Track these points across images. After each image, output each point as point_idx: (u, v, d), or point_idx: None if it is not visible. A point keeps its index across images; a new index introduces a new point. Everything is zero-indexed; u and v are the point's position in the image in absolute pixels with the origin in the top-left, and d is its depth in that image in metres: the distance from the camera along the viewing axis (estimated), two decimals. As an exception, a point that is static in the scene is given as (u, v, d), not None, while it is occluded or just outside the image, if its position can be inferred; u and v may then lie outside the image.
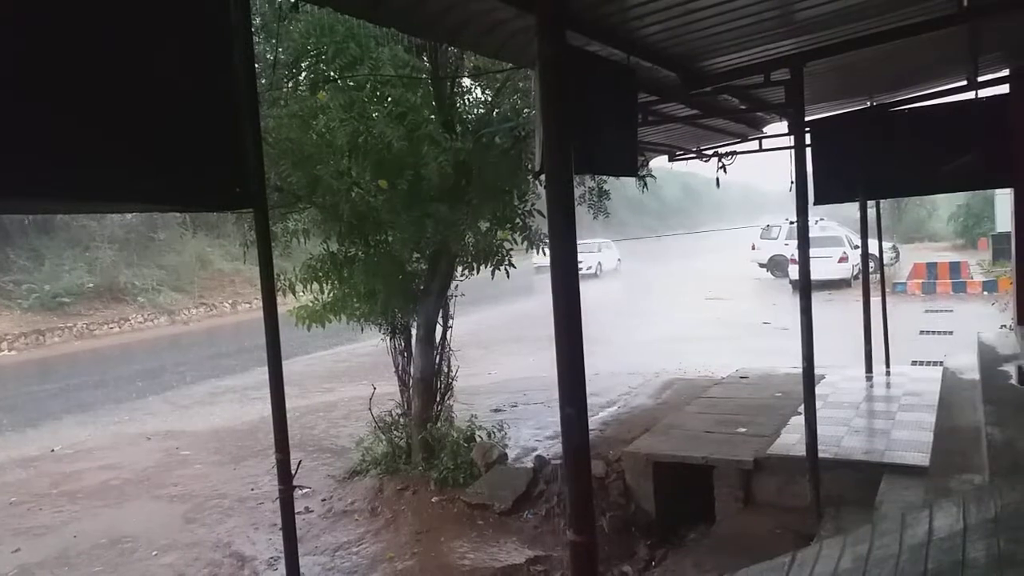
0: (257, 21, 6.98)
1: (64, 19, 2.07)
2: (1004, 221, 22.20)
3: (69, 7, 2.08)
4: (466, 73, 8.11)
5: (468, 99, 8.45)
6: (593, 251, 33.14)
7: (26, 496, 8.76)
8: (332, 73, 7.16)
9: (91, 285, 23.69)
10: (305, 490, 8.04)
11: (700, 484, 6.96)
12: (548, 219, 2.89)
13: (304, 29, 6.89)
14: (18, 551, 7.26)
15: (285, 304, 7.50)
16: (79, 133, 2.13)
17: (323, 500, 8.06)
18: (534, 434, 9.49)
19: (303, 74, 7.53)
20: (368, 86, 7.12)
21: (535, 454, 8.38)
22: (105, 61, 2.18)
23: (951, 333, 14.68)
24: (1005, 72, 8.22)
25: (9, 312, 21.69)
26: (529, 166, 7.68)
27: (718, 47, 5.70)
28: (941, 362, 10.04)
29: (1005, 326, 10.11)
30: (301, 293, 7.94)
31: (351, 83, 7.10)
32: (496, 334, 17.71)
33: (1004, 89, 8.01)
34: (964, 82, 7.51)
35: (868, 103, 9.18)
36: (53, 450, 10.68)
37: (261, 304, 3.06)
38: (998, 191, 20.89)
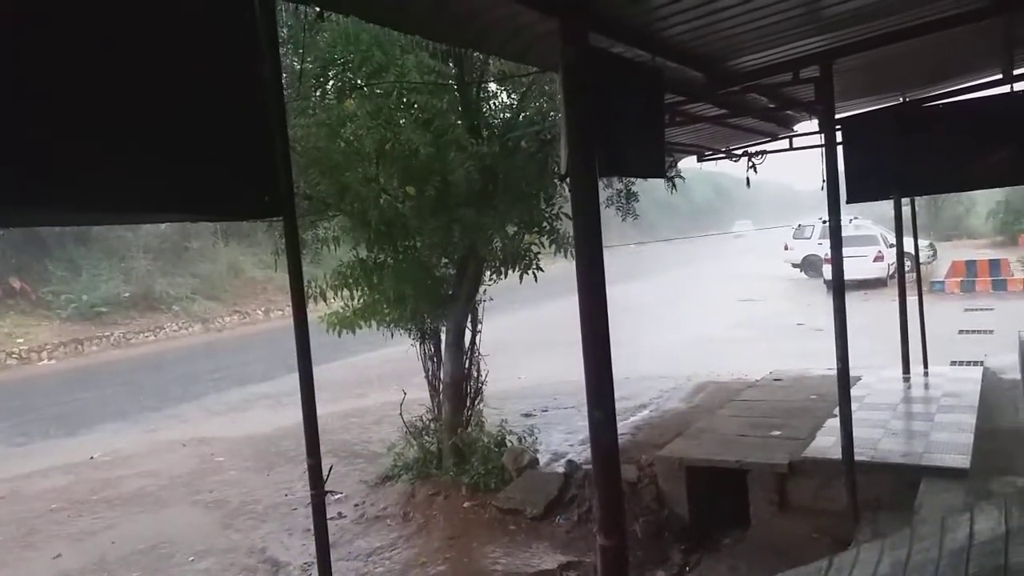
0: (284, 32, 7.06)
1: (87, 34, 2.10)
2: (1044, 217, 21.70)
3: (93, 22, 2.11)
4: (491, 78, 8.12)
5: (494, 104, 8.46)
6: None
7: (66, 502, 8.93)
8: (359, 81, 7.21)
9: (127, 294, 24.12)
10: (338, 495, 8.09)
11: (734, 488, 6.88)
12: (573, 222, 2.88)
13: (330, 39, 6.95)
14: (59, 557, 7.40)
15: (316, 311, 7.58)
16: (107, 146, 2.16)
17: (356, 505, 8.11)
18: (565, 439, 9.46)
19: (330, 83, 7.59)
20: (394, 93, 7.16)
21: (566, 459, 8.35)
22: (131, 73, 2.22)
23: (991, 332, 14.37)
24: (1043, 64, 8.02)
25: (49, 322, 22.16)
26: (555, 169, 7.66)
27: (745, 46, 5.63)
28: (981, 362, 9.83)
29: (1047, 324, 9.85)
30: (332, 299, 8.01)
31: (378, 91, 7.14)
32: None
33: (1042, 82, 7.81)
34: (999, 76, 7.34)
35: (900, 99, 9.02)
36: (92, 457, 10.87)
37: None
38: (1038, 186, 20.39)
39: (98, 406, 14.61)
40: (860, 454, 5.99)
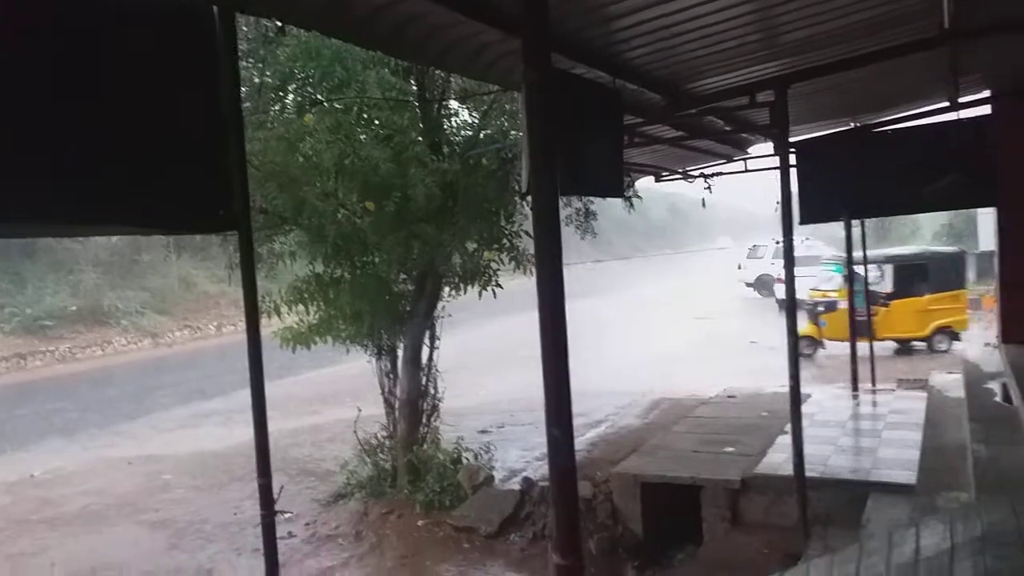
0: (243, 45, 6.99)
1: (41, 48, 2.05)
2: (987, 240, 22.41)
3: (48, 33, 2.07)
4: (453, 95, 8.14)
5: (455, 121, 8.49)
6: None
7: (4, 523, 8.59)
8: (319, 96, 7.18)
9: (74, 308, 23.43)
10: (288, 515, 7.93)
11: (688, 504, 6.93)
12: (534, 239, 2.89)
13: (291, 53, 6.91)
14: (-4, 579, 7.13)
15: (271, 326, 7.46)
16: (60, 157, 2.11)
17: (307, 524, 7.96)
18: (521, 455, 9.44)
19: (290, 97, 7.54)
20: (355, 109, 7.14)
21: (522, 476, 8.33)
22: (86, 85, 2.17)
23: (936, 351, 14.77)
24: (986, 93, 8.34)
25: (-10, 336, 21.44)
26: (516, 187, 7.70)
27: (703, 69, 5.74)
28: (927, 380, 10.09)
29: (989, 344, 10.20)
30: (286, 315, 7.90)
31: (338, 106, 7.11)
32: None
33: (986, 110, 8.12)
34: (946, 103, 7.61)
35: (852, 124, 9.28)
36: (33, 475, 10.50)
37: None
38: (981, 210, 21.09)
39: (40, 422, 14.13)
40: (811, 470, 6.08)
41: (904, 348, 15.13)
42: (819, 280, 16.38)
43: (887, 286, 15.43)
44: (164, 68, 2.45)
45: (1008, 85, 7.96)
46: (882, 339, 14.87)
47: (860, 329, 14.91)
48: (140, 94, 2.35)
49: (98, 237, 23.92)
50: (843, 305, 15.17)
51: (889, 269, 15.47)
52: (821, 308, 15.48)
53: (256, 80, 7.14)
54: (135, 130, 2.33)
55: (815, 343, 15.59)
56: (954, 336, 14.91)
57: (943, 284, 14.76)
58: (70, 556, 7.56)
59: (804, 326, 15.58)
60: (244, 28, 7.14)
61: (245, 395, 3.04)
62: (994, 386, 7.61)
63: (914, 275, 15.12)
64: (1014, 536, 3.68)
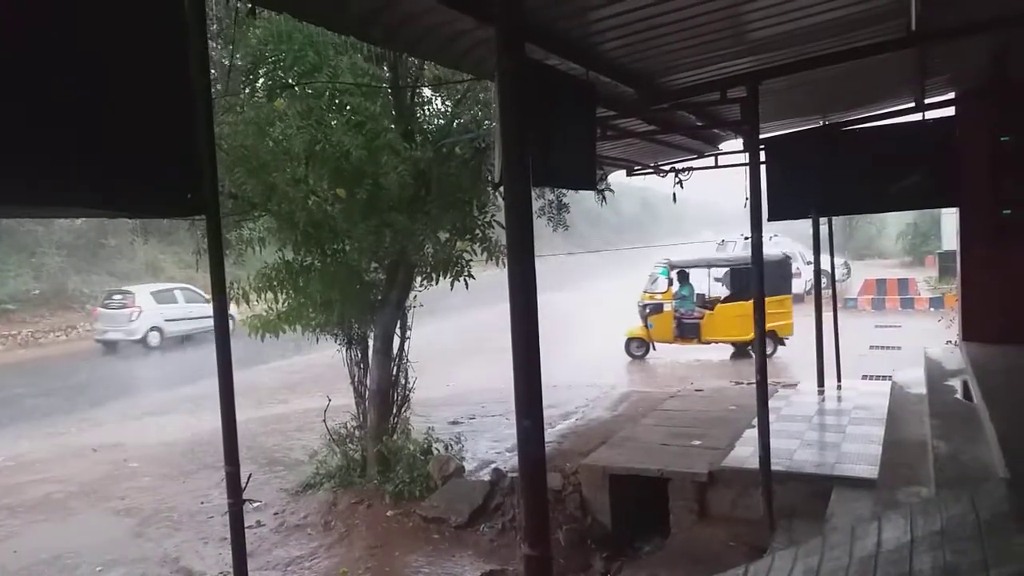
0: (213, 26, 6.88)
1: (2, 20, 2.00)
2: (950, 240, 22.86)
3: (7, 7, 2.02)
4: (426, 83, 8.09)
5: (428, 109, 8.44)
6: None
7: (-37, 510, 8.43)
8: (290, 80, 7.09)
9: (37, 292, 23.01)
10: (256, 504, 7.88)
11: (656, 496, 6.99)
12: (506, 231, 2.89)
13: (262, 35, 6.82)
14: (-47, 568, 6.98)
15: (239, 313, 7.38)
16: (24, 136, 2.06)
17: (275, 514, 7.90)
18: (492, 446, 9.44)
19: (260, 80, 7.43)
20: (327, 94, 7.07)
21: (492, 467, 8.34)
22: (49, 61, 2.12)
23: (899, 348, 15.01)
24: (951, 95, 8.48)
25: (-51, 319, 20.96)
26: (489, 177, 7.69)
27: (676, 64, 5.77)
28: (890, 376, 10.26)
29: (951, 342, 10.38)
30: (255, 302, 7.81)
31: (309, 91, 7.03)
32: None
33: (950, 111, 8.26)
34: (912, 104, 7.73)
35: (821, 122, 9.38)
36: (-7, 462, 10.31)
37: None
38: (944, 210, 21.50)
39: (2, 408, 13.86)
40: (776, 464, 6.17)
41: (740, 352, 15.23)
42: (650, 281, 16.79)
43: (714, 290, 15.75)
44: (131, 45, 2.39)
45: (971, 87, 8.11)
46: (706, 342, 15.24)
47: (688, 332, 15.34)
48: (106, 71, 2.29)
49: (61, 220, 23.49)
50: (668, 308, 15.74)
51: (715, 274, 15.76)
52: (648, 310, 15.73)
53: (226, 62, 7.02)
54: (100, 109, 2.28)
55: (645, 344, 15.96)
56: (778, 340, 14.70)
57: (768, 289, 14.69)
58: (32, 543, 7.43)
59: (635, 327, 16.16)
60: (213, 8, 7.02)
61: (213, 383, 3.00)
62: (955, 383, 7.74)
63: (739, 280, 15.25)
64: (972, 530, 3.75)
